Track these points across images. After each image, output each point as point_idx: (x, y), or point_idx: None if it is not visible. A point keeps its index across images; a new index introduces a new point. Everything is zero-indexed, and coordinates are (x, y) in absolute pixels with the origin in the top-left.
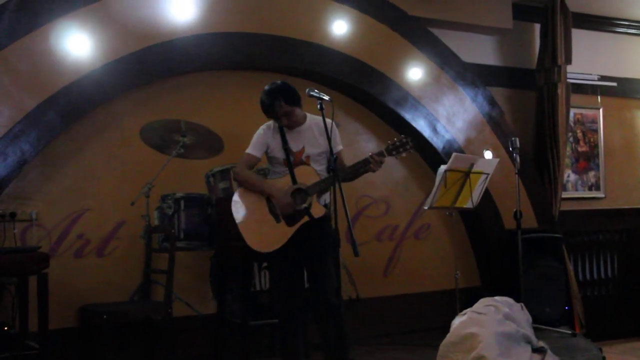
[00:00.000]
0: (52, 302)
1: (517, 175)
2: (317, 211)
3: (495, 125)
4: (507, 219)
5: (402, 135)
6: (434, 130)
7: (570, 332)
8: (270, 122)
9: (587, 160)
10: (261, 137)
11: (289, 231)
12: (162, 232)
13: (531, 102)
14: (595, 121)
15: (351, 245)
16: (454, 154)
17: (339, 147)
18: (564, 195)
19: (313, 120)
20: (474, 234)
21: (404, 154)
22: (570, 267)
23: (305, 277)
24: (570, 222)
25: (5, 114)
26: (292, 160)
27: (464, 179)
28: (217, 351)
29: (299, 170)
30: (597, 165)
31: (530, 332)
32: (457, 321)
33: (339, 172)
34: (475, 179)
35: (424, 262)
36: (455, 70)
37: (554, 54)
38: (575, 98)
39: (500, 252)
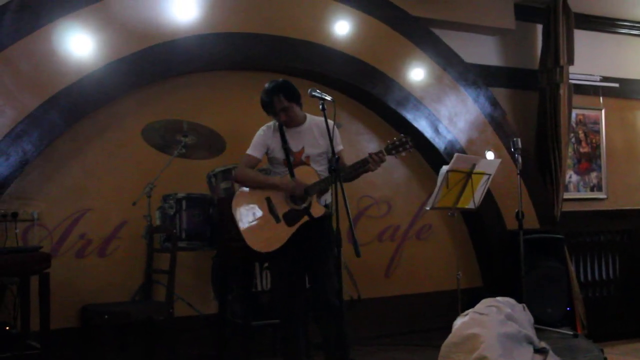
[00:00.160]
0: (53, 302)
1: (519, 176)
2: (317, 211)
3: (497, 125)
4: (509, 220)
5: (402, 135)
6: (436, 130)
7: (571, 332)
8: (271, 123)
9: (589, 161)
10: (261, 138)
11: (289, 231)
12: (164, 232)
13: (533, 102)
14: (597, 122)
15: (353, 245)
16: (455, 155)
17: (339, 147)
18: (566, 196)
19: (313, 120)
20: (476, 234)
21: (403, 153)
22: (572, 267)
23: (305, 277)
24: (572, 223)
25: (7, 114)
26: (292, 161)
27: (466, 179)
28: (219, 351)
29: (299, 171)
30: (599, 166)
31: (532, 333)
32: (458, 322)
33: (340, 172)
34: (477, 179)
35: (425, 263)
36: (457, 70)
37: (556, 55)
38: (577, 99)
39: (502, 252)
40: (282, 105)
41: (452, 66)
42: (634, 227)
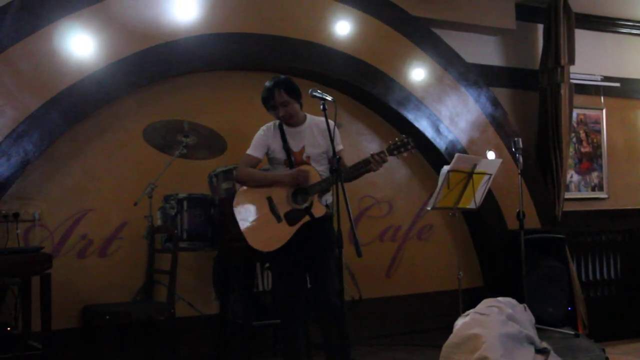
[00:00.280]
0: (54, 302)
1: (520, 176)
2: (318, 211)
3: (498, 125)
4: (510, 220)
5: (403, 135)
6: (437, 130)
7: (573, 332)
8: (271, 124)
9: (590, 160)
10: (261, 138)
11: (290, 230)
12: (165, 232)
13: (534, 102)
14: (598, 122)
15: (354, 245)
16: (456, 155)
17: (339, 146)
18: (567, 195)
19: (313, 120)
20: (477, 234)
21: (405, 154)
22: (573, 267)
23: (306, 277)
24: (573, 222)
25: (8, 114)
26: (292, 160)
27: (467, 179)
28: (220, 352)
29: None
30: (600, 166)
31: (533, 333)
32: (460, 322)
33: (341, 172)
34: (478, 179)
35: (426, 263)
36: (458, 70)
37: (557, 55)
38: (578, 98)
39: (503, 252)
40: (282, 99)
41: (453, 66)
42: (635, 227)
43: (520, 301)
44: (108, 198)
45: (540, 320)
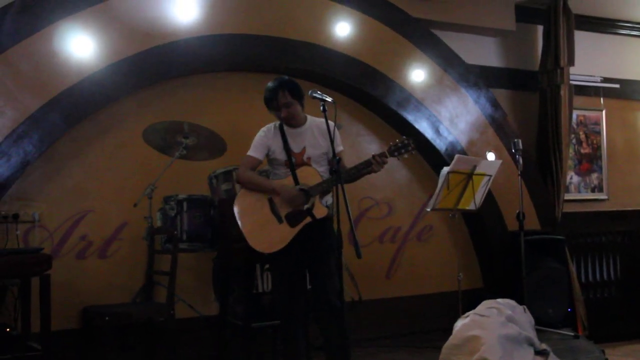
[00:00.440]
0: (54, 303)
1: (519, 177)
2: (320, 212)
3: (498, 127)
4: (510, 221)
5: (404, 137)
6: (437, 131)
7: (572, 334)
8: (271, 125)
9: (589, 162)
10: (262, 139)
11: (292, 232)
12: (165, 233)
13: (534, 103)
14: (598, 123)
15: (353, 246)
16: (456, 156)
17: (339, 148)
18: (567, 197)
19: (313, 121)
20: (477, 235)
21: (405, 155)
22: (573, 269)
23: (306, 278)
24: (573, 224)
25: (8, 115)
26: (293, 161)
27: (467, 180)
28: (219, 353)
29: (301, 171)
30: (600, 167)
31: (532, 335)
32: (459, 323)
33: (341, 173)
34: (477, 180)
35: (426, 264)
36: (458, 71)
37: (557, 56)
38: (578, 100)
39: (503, 254)
40: (286, 100)
41: (452, 67)
42: (635, 228)
43: (520, 302)
44: (108, 199)
45: (540, 322)
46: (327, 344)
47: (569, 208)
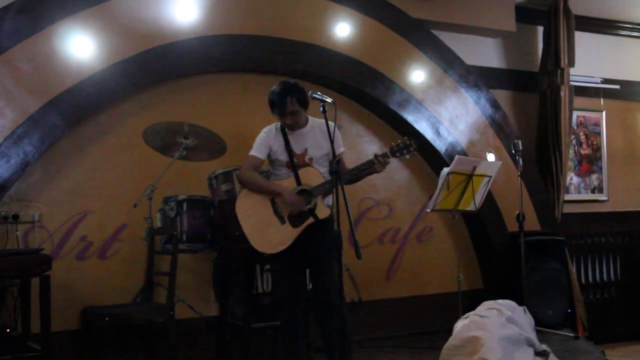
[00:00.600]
0: (54, 304)
1: (519, 178)
2: (322, 212)
3: (498, 127)
4: (510, 222)
5: (406, 137)
6: (437, 132)
7: (572, 335)
8: (273, 125)
9: (590, 163)
10: (264, 140)
11: (295, 232)
12: (165, 234)
13: (534, 104)
14: (598, 124)
15: (353, 247)
16: (456, 157)
17: (340, 149)
18: (567, 197)
19: (315, 122)
20: (477, 236)
21: (407, 156)
22: (573, 269)
23: (306, 278)
24: (573, 224)
25: (8, 115)
26: (295, 162)
27: (467, 181)
28: (219, 353)
29: (303, 172)
30: (600, 168)
31: (532, 335)
32: (459, 324)
33: (344, 173)
34: (477, 181)
35: (426, 265)
36: (458, 72)
37: (557, 57)
38: (578, 101)
39: (503, 254)
40: (293, 108)
41: (453, 68)
42: (634, 229)
43: (520, 303)
44: (108, 200)
45: (540, 323)
46: (328, 345)
47: (568, 209)
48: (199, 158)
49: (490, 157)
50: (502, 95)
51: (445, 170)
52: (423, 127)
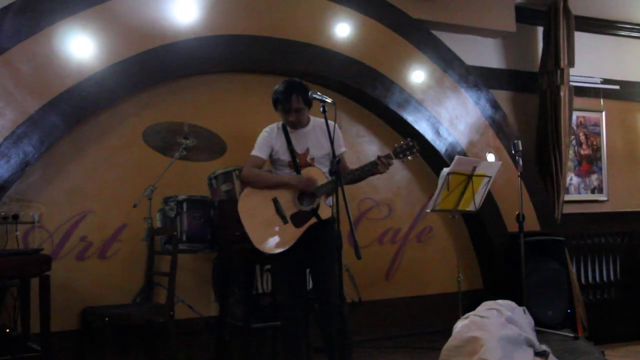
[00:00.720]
0: (54, 304)
1: (519, 178)
2: (325, 213)
3: (498, 128)
4: (510, 222)
5: (409, 139)
6: (437, 133)
7: (572, 335)
8: (274, 125)
9: (589, 163)
10: (266, 139)
11: (297, 233)
12: (165, 234)
13: (534, 105)
14: (598, 124)
15: (353, 248)
16: (456, 157)
17: (342, 149)
18: (567, 198)
19: (316, 122)
20: (477, 236)
21: (410, 157)
22: (573, 270)
23: (307, 278)
24: (572, 225)
25: (8, 116)
26: (297, 162)
27: (467, 181)
28: (219, 354)
29: (305, 172)
30: (600, 168)
31: (532, 336)
32: (459, 325)
33: (346, 174)
34: (477, 181)
35: (426, 265)
36: (458, 73)
37: (557, 57)
38: (577, 101)
39: (503, 255)
40: (298, 105)
41: (453, 68)
42: (634, 229)
43: (520, 304)
44: (108, 200)
45: (540, 323)
46: (328, 345)
47: (568, 209)
48: (199, 158)
49: (490, 157)
50: (502, 96)
51: (445, 170)
52: (423, 127)
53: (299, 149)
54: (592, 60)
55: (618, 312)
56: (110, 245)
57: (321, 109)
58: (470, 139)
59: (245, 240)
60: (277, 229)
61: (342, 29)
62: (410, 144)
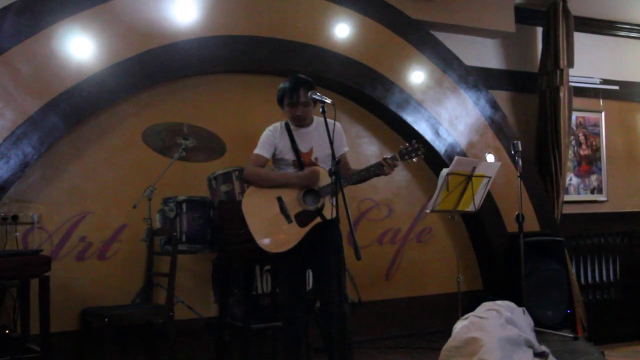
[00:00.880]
0: (53, 305)
1: (519, 179)
2: (329, 212)
3: (498, 128)
4: (509, 223)
5: (414, 141)
6: (436, 133)
7: (572, 335)
8: (277, 124)
9: (589, 163)
10: (269, 138)
11: (301, 232)
12: (164, 235)
13: (533, 105)
14: (597, 124)
15: (353, 248)
16: (456, 157)
17: (345, 148)
18: (566, 198)
19: (319, 122)
20: (476, 237)
21: (415, 159)
22: (573, 270)
23: (308, 278)
24: (572, 225)
25: (7, 116)
26: (302, 161)
27: (466, 182)
28: (219, 354)
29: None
30: (599, 169)
31: (532, 337)
32: (459, 325)
33: (352, 174)
34: (477, 182)
35: (426, 266)
36: (457, 73)
37: (556, 57)
38: (577, 101)
39: (503, 255)
40: (305, 99)
41: (452, 69)
42: (634, 230)
43: (520, 304)
44: (107, 200)
45: (540, 323)
46: (328, 346)
47: (568, 209)
48: (198, 159)
49: (490, 157)
50: (502, 96)
51: (445, 171)
52: (422, 127)
53: (303, 148)
54: (592, 60)
55: (618, 313)
56: (110, 246)
57: (321, 109)
58: (469, 140)
59: (245, 241)
60: (281, 228)
61: (342, 30)
62: (416, 146)
